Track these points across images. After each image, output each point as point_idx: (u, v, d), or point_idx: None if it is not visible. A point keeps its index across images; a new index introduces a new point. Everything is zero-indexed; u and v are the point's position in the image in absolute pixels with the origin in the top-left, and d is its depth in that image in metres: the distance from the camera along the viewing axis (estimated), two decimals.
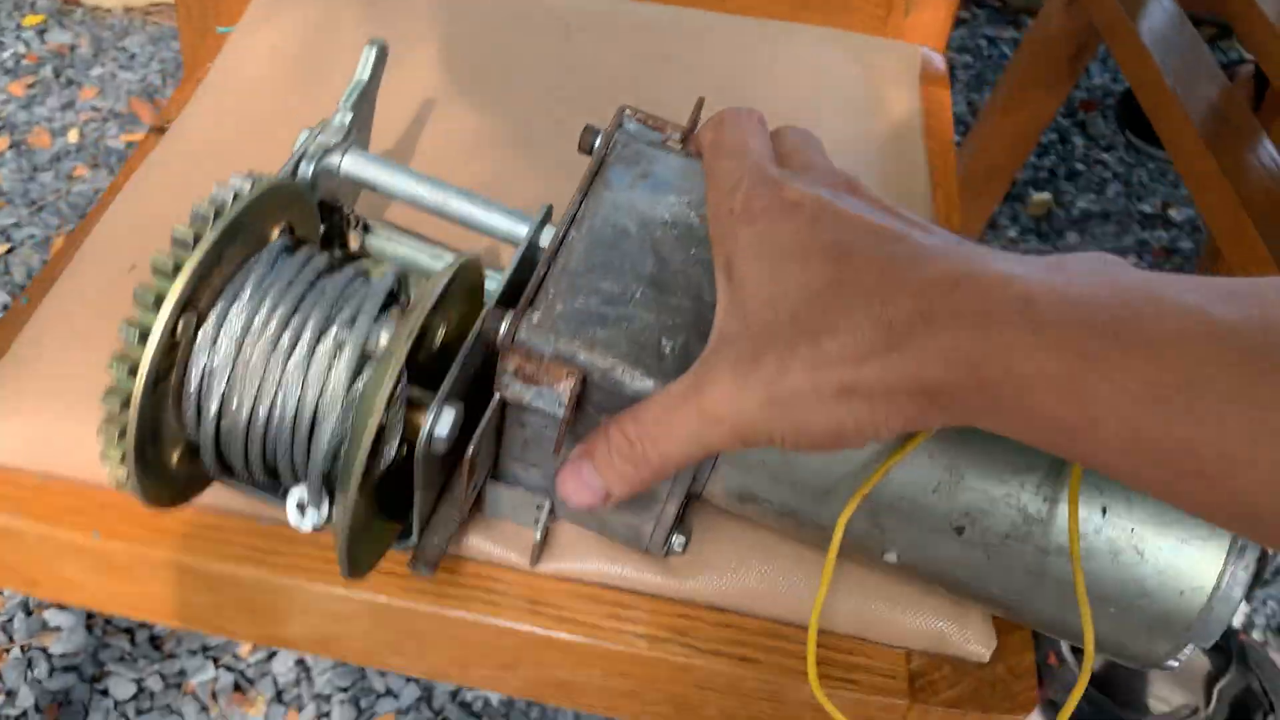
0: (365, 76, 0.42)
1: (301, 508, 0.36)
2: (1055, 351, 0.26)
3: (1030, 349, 0.26)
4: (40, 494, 0.44)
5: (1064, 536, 0.36)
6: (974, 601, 0.41)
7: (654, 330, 0.36)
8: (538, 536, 0.42)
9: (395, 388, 0.34)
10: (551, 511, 0.42)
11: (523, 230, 0.42)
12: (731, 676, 0.43)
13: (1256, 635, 1.04)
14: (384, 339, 0.35)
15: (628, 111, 0.43)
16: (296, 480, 0.36)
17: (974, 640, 0.43)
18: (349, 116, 0.41)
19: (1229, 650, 0.88)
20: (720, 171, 0.37)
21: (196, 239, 0.34)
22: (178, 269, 0.33)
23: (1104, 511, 0.36)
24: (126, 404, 0.33)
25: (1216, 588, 0.36)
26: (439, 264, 0.47)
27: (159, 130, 0.61)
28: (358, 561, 0.36)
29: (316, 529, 0.36)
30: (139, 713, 0.83)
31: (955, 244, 0.32)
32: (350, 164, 0.42)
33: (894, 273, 0.30)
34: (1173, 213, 1.49)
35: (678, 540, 0.42)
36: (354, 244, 0.45)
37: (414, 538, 0.39)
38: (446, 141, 0.57)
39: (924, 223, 0.34)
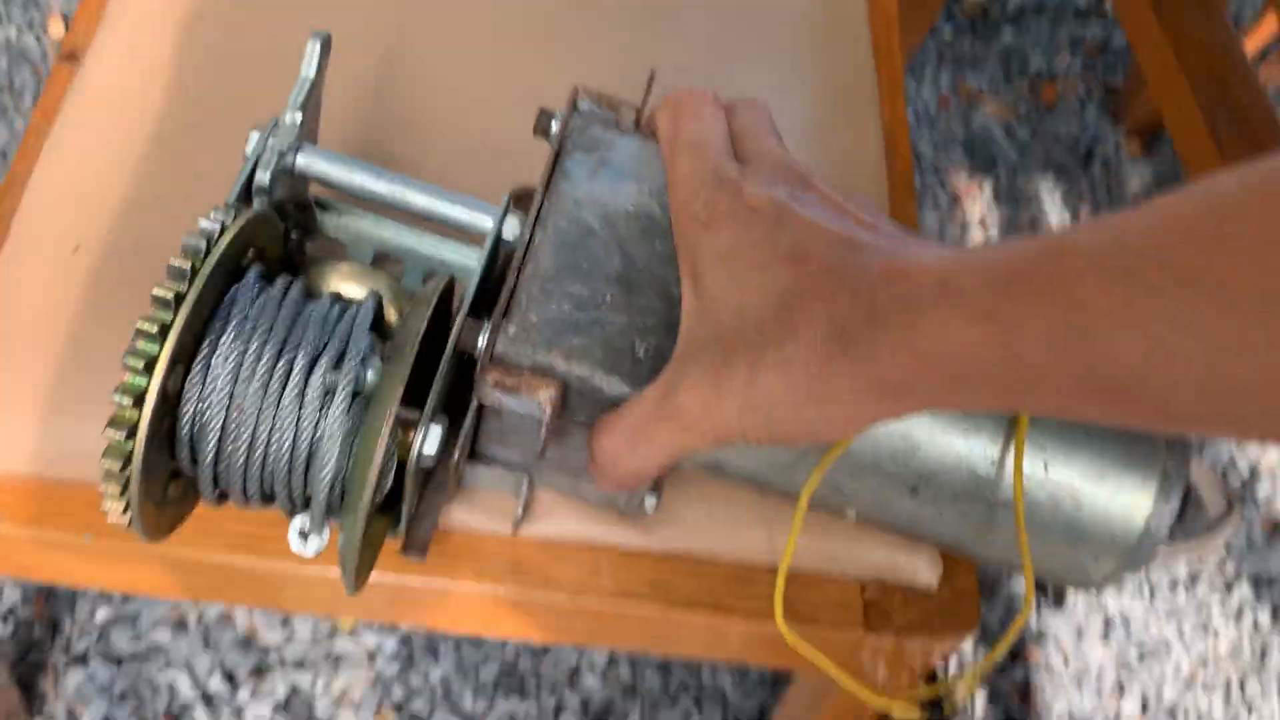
0: (311, 73, 0.40)
1: (303, 535, 0.38)
2: (972, 319, 0.28)
3: (952, 323, 0.28)
4: (25, 498, 0.45)
5: (1009, 492, 0.40)
6: (927, 543, 0.45)
7: (626, 333, 0.37)
8: (519, 511, 0.44)
9: (390, 433, 0.35)
10: (530, 481, 0.44)
11: (485, 221, 0.42)
12: (705, 621, 0.46)
13: None
14: (371, 377, 0.36)
15: (581, 92, 0.42)
16: (293, 505, 0.38)
17: (923, 569, 0.47)
18: (299, 116, 0.40)
19: None
20: (681, 171, 0.37)
21: (178, 299, 0.34)
22: (164, 331, 0.34)
23: (1045, 467, 0.39)
24: (126, 463, 0.34)
25: (1146, 527, 0.39)
26: (394, 235, 0.46)
27: (69, 58, 0.58)
28: (361, 576, 0.38)
29: (318, 553, 0.38)
30: (125, 599, 0.87)
31: (895, 239, 0.33)
32: (305, 163, 0.41)
33: (843, 277, 0.32)
34: (1107, 5, 1.47)
35: (650, 502, 0.44)
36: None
37: (403, 526, 0.41)
38: (385, 84, 0.55)
39: (869, 216, 0.36)
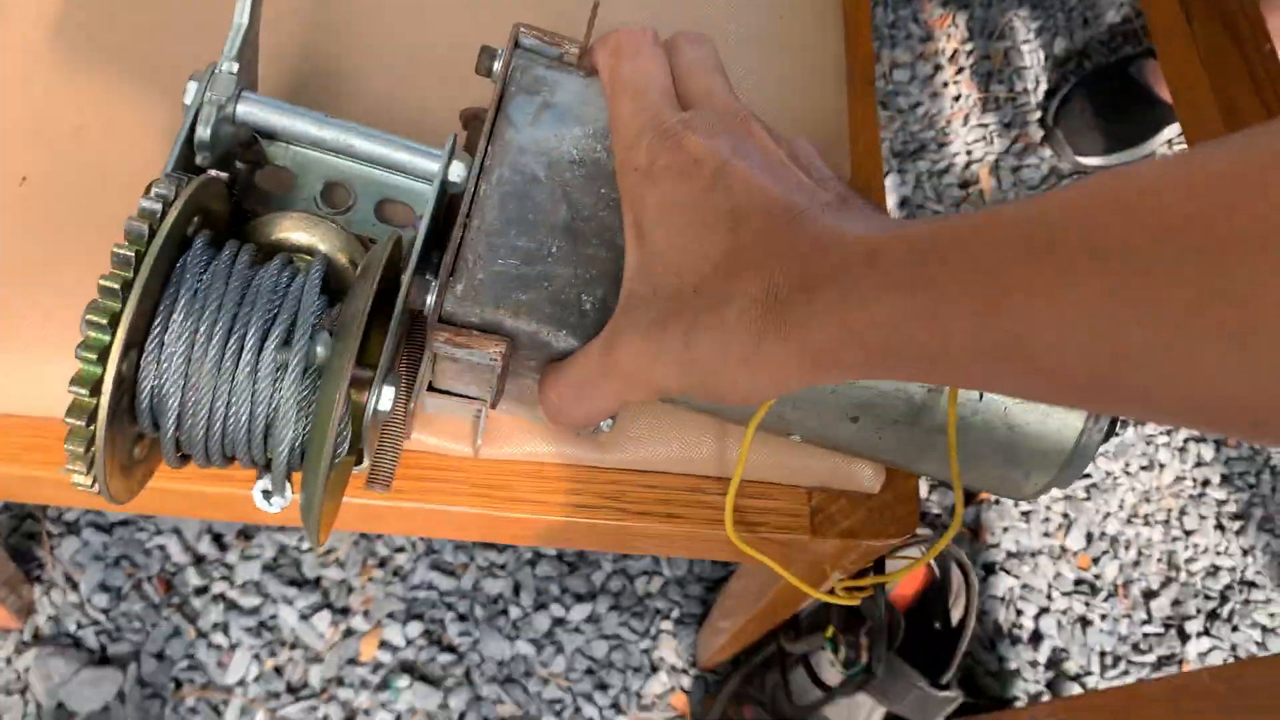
0: (245, 20, 0.39)
1: (267, 494, 0.39)
2: (899, 289, 0.28)
3: (880, 293, 0.29)
4: None
5: (945, 418, 0.42)
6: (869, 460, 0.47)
7: (573, 285, 0.38)
8: (479, 439, 0.46)
9: (345, 390, 0.36)
10: (489, 403, 0.45)
11: (430, 165, 0.42)
12: (658, 528, 0.49)
13: None
14: (321, 351, 0.37)
15: (523, 29, 0.41)
16: (255, 467, 0.39)
17: (867, 475, 0.50)
18: (235, 66, 0.39)
19: None
20: (623, 116, 0.37)
21: (125, 286, 0.34)
22: (115, 321, 0.34)
23: (980, 394, 0.41)
24: (89, 445, 0.35)
25: (1075, 447, 0.42)
26: (343, 163, 0.46)
27: None
28: (326, 527, 0.40)
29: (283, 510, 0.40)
30: None
31: (831, 202, 0.34)
32: (245, 112, 0.41)
33: (778, 245, 0.32)
34: None
35: (606, 423, 0.46)
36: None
37: (366, 464, 0.43)
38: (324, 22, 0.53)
39: (812, 170, 0.36)
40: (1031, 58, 1.23)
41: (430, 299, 0.37)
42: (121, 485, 0.39)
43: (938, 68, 1.21)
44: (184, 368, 0.36)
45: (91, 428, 0.35)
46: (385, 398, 0.38)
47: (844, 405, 0.41)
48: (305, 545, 0.91)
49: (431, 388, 0.44)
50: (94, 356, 0.34)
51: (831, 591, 0.55)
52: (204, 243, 0.37)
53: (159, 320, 0.36)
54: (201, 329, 0.36)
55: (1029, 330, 0.26)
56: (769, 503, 0.50)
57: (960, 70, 1.22)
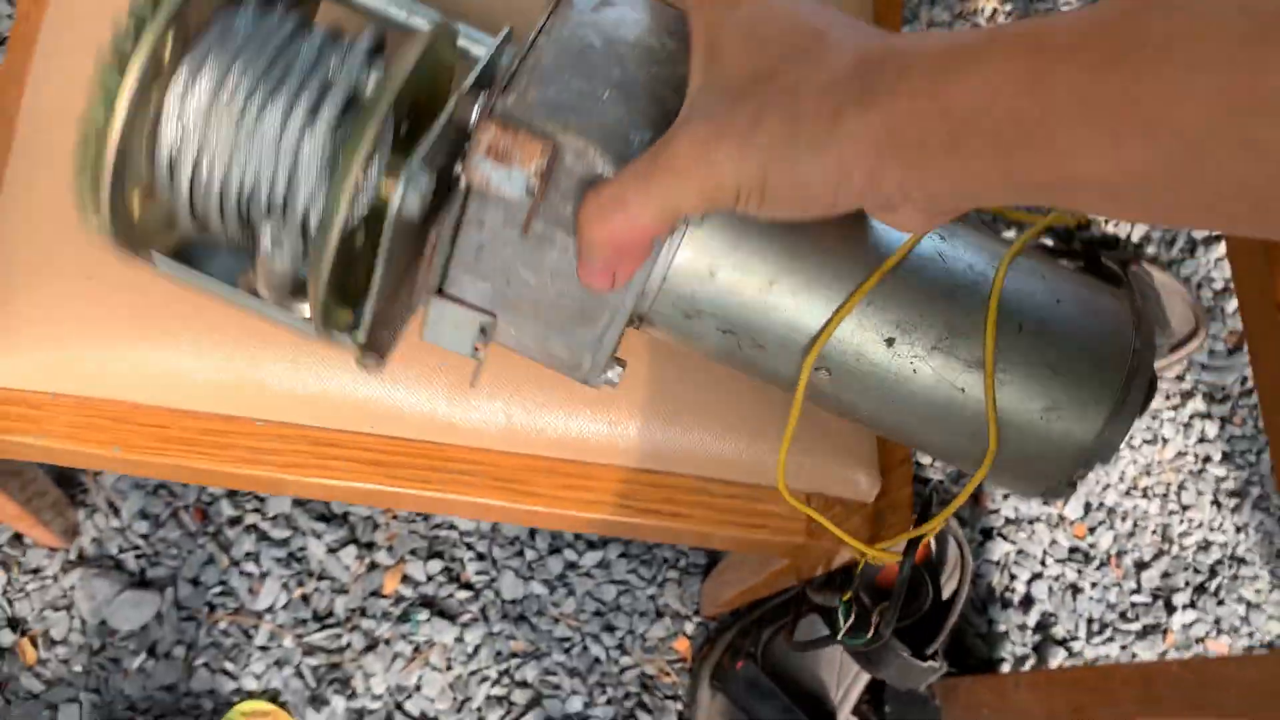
0: None
1: (277, 242, 0.38)
2: (1008, 55, 0.28)
3: (986, 57, 0.28)
4: (54, 412, 0.50)
5: (982, 348, 0.40)
6: (888, 434, 0.45)
7: (623, 125, 0.37)
8: (481, 355, 0.43)
9: (380, 130, 0.35)
10: (489, 334, 0.42)
11: (479, 49, 0.43)
12: (663, 524, 0.53)
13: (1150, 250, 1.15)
14: (373, 82, 0.37)
15: None
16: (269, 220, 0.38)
17: (863, 483, 0.53)
18: None
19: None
20: None
21: None
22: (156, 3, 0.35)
23: (1020, 328, 0.40)
24: (99, 154, 0.35)
25: (1094, 441, 0.40)
26: (401, 13, 0.46)
27: None
28: (328, 321, 0.39)
29: (287, 271, 0.39)
30: None
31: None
32: None
33: (866, 39, 0.32)
34: None
35: (614, 373, 0.43)
36: None
37: (362, 334, 0.40)
38: None
39: None
40: None
41: (480, 102, 0.37)
42: (123, 236, 0.38)
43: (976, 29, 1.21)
44: (208, 105, 0.36)
45: (109, 122, 0.35)
46: (419, 184, 0.36)
47: (881, 321, 0.40)
48: None
49: (441, 292, 0.41)
50: (133, 24, 0.34)
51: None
52: (256, 2, 0.38)
53: (192, 55, 0.36)
54: (234, 69, 0.36)
55: (1149, 84, 0.25)
56: (768, 506, 0.53)
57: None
